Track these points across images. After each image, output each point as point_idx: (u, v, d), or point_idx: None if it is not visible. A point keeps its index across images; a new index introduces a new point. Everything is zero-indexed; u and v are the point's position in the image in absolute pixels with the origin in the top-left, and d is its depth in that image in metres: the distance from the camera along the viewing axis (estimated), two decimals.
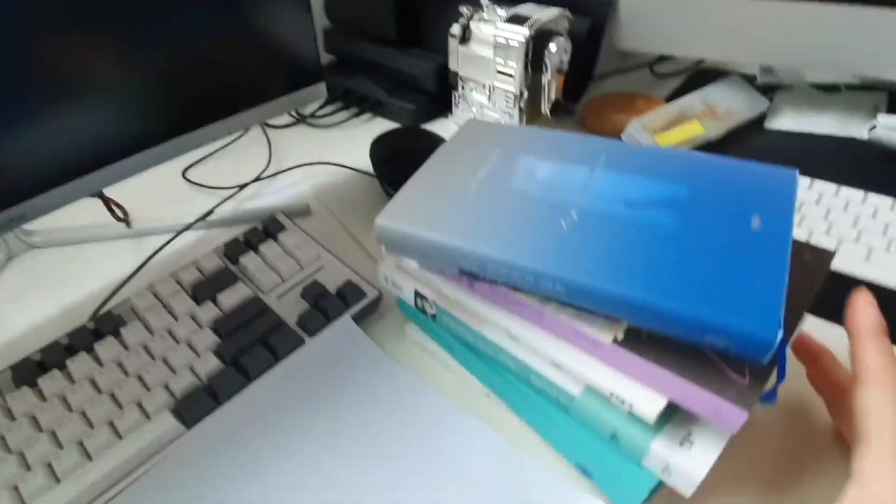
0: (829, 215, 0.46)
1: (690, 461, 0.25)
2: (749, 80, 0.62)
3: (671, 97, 0.64)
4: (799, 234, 0.44)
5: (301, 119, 0.68)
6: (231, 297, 0.40)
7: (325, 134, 0.66)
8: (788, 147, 0.56)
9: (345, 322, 0.40)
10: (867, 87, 0.60)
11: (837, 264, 0.42)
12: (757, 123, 0.59)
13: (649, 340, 0.26)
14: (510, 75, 0.52)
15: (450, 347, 0.36)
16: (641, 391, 0.26)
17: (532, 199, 0.30)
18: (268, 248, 0.44)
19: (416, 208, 0.30)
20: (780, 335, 0.23)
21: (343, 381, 0.37)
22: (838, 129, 0.57)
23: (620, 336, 0.27)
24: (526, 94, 0.53)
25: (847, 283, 0.38)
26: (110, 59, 0.38)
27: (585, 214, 0.29)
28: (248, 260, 0.43)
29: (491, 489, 0.31)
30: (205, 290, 0.41)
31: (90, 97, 0.38)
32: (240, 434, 0.34)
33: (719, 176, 0.30)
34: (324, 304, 0.40)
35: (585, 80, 0.61)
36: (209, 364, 0.36)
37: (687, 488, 0.26)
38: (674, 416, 0.27)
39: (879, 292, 0.37)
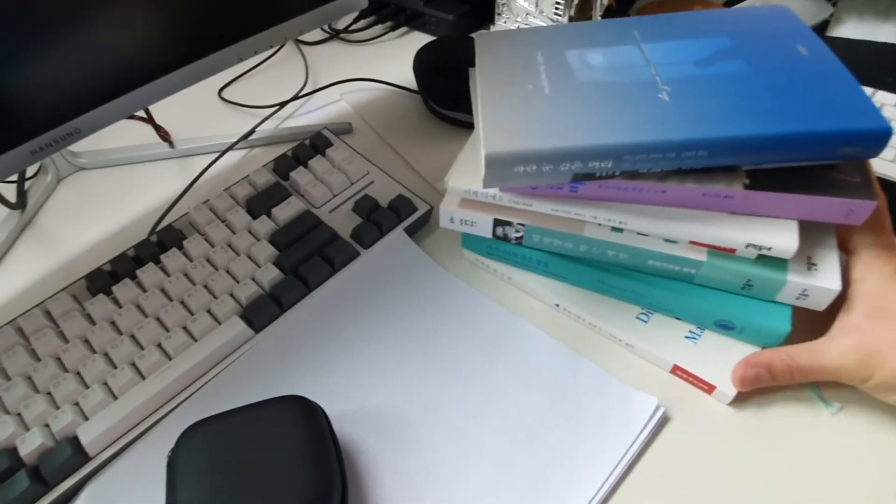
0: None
1: (824, 279, 0.29)
2: None
3: (730, 2, 0.60)
4: None
5: (335, 34, 0.65)
6: (285, 211, 0.41)
7: (360, 50, 0.64)
8: (851, 55, 0.53)
9: (398, 234, 0.40)
10: None
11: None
12: (819, 30, 0.56)
13: (770, 178, 0.29)
14: None
15: (539, 266, 0.36)
16: (777, 231, 0.29)
17: (612, 85, 0.30)
18: (317, 163, 0.44)
19: (514, 128, 0.29)
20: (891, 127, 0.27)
21: (399, 290, 0.38)
22: None
23: (747, 181, 0.29)
24: None
25: None
26: None
27: (672, 83, 0.30)
28: (299, 175, 0.43)
29: (549, 389, 0.33)
30: (259, 204, 0.41)
31: (128, 16, 0.37)
32: (305, 338, 0.36)
33: (738, 23, 0.33)
34: (376, 218, 0.40)
35: None
36: (270, 274, 0.37)
37: (825, 302, 0.30)
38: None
39: None
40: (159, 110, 0.54)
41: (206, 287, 0.37)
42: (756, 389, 0.31)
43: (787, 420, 0.31)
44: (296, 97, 0.57)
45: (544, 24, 0.53)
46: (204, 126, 0.55)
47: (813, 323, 0.31)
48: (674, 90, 0.29)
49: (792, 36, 0.31)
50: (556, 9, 0.51)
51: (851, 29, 0.55)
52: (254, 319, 0.35)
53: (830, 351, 0.30)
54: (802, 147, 0.27)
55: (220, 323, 0.35)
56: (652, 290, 0.34)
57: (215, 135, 0.53)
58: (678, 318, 0.34)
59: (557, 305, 0.36)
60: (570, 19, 0.51)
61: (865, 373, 0.29)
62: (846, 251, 0.32)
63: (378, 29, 0.65)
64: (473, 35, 0.35)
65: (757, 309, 0.32)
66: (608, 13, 0.51)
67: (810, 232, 0.31)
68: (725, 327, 0.33)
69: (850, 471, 0.30)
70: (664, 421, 0.31)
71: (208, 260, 0.38)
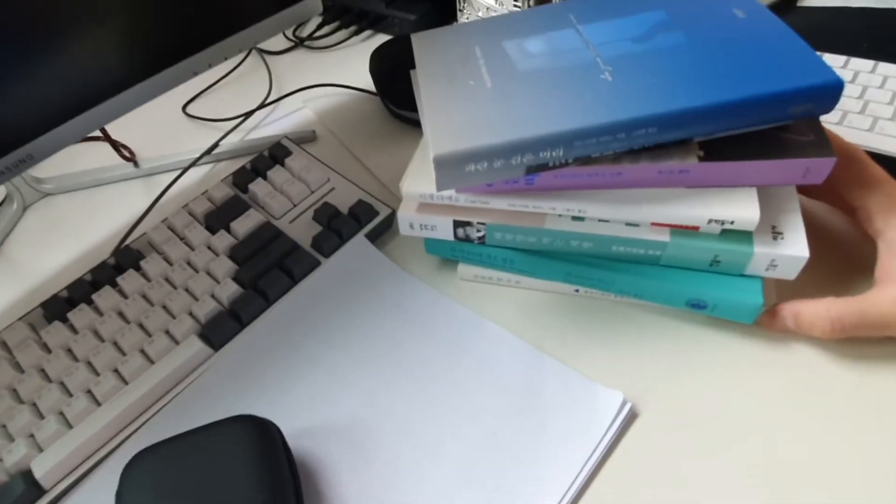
0: (864, 94, 0.42)
1: (791, 247, 0.29)
2: None
3: None
4: (831, 116, 0.42)
5: (299, 42, 0.65)
6: (244, 225, 0.40)
7: (325, 56, 0.63)
8: (824, 24, 0.52)
9: (359, 241, 0.39)
10: None
11: (875, 145, 0.39)
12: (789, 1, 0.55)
13: (723, 147, 0.28)
14: None
15: (506, 264, 0.35)
16: (737, 203, 0.28)
17: (554, 71, 0.29)
18: (276, 173, 0.43)
19: (460, 127, 0.28)
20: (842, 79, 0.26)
21: (361, 297, 0.37)
22: (875, 1, 0.52)
23: (701, 153, 0.28)
24: None
25: (889, 164, 0.36)
26: None
27: (613, 62, 0.29)
28: (258, 187, 0.42)
29: (514, 390, 0.32)
30: (218, 219, 0.41)
31: (78, 32, 0.36)
32: (266, 353, 0.35)
33: None
34: (337, 225, 0.39)
35: None
36: (229, 289, 0.36)
37: (794, 270, 0.29)
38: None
39: None
40: (123, 130, 0.53)
41: (164, 307, 0.36)
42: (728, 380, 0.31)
43: (761, 411, 0.30)
44: (260, 107, 0.57)
45: None
46: (169, 143, 0.54)
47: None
48: (616, 69, 0.28)
49: (726, 0, 0.31)
50: (516, 2, 0.50)
51: None
52: (212, 337, 0.35)
53: (884, 300, 0.28)
54: (752, 112, 0.27)
55: (178, 343, 0.35)
56: (620, 276, 0.33)
57: (180, 151, 0.52)
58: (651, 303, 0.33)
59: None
60: None
61: None
62: (848, 210, 0.32)
63: (342, 34, 0.64)
64: (411, 35, 0.34)
65: (727, 285, 0.31)
66: None
67: (771, 198, 0.30)
68: (697, 306, 0.32)
69: (829, 458, 0.28)
70: (632, 417, 0.30)
71: (167, 279, 0.38)
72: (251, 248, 0.39)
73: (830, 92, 0.26)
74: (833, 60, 0.46)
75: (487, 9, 0.53)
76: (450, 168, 0.27)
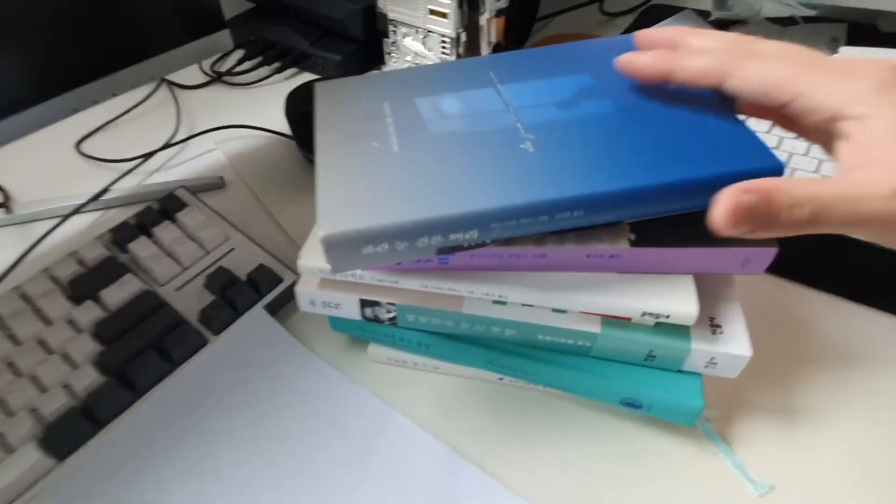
0: (791, 160, 0.42)
1: (732, 344, 0.26)
2: (703, 15, 0.58)
3: None
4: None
5: (216, 77, 0.59)
6: (118, 293, 0.34)
7: (244, 94, 0.58)
8: None
9: (257, 313, 0.34)
10: (825, 18, 0.57)
11: None
12: None
13: (657, 231, 0.26)
14: (443, 14, 0.45)
15: (421, 348, 0.31)
16: (674, 295, 0.26)
17: (469, 136, 0.25)
18: (164, 230, 0.37)
19: (357, 200, 0.23)
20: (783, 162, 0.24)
21: (256, 384, 0.31)
22: None
23: (633, 237, 0.25)
24: (464, 37, 0.47)
25: None
26: None
27: (535, 130, 0.26)
28: (140, 246, 0.36)
29: (427, 497, 0.27)
30: (85, 286, 0.34)
31: None
32: (127, 460, 0.28)
33: (597, 57, 0.29)
34: (232, 294, 0.34)
35: (529, 21, 0.55)
36: (87, 378, 0.30)
37: (735, 370, 0.27)
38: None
39: None
40: (1, 166, 0.46)
41: (0, 402, 0.29)
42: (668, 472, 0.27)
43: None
44: (164, 147, 0.50)
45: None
46: (56, 185, 0.47)
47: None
48: (538, 139, 0.25)
49: None
50: (444, 48, 0.47)
51: None
52: (56, 444, 0.28)
53: (866, 185, 0.20)
54: (686, 195, 0.24)
55: (12, 451, 0.28)
56: (547, 368, 0.29)
57: (67, 195, 0.45)
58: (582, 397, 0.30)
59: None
60: (460, 58, 0.47)
61: None
62: (772, 115, 0.26)
63: (264, 70, 0.60)
64: (314, 83, 0.30)
65: (664, 383, 0.28)
66: (498, 51, 0.47)
67: (708, 284, 0.28)
68: (632, 405, 0.28)
69: None
70: None
71: (9, 365, 0.31)
72: (123, 323, 0.32)
73: (771, 176, 0.23)
74: (758, 125, 0.45)
75: (416, 54, 0.50)
76: (343, 250, 0.23)
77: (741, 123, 0.25)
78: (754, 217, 0.20)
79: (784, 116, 0.24)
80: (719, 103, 0.26)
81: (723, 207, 0.20)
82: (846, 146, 0.21)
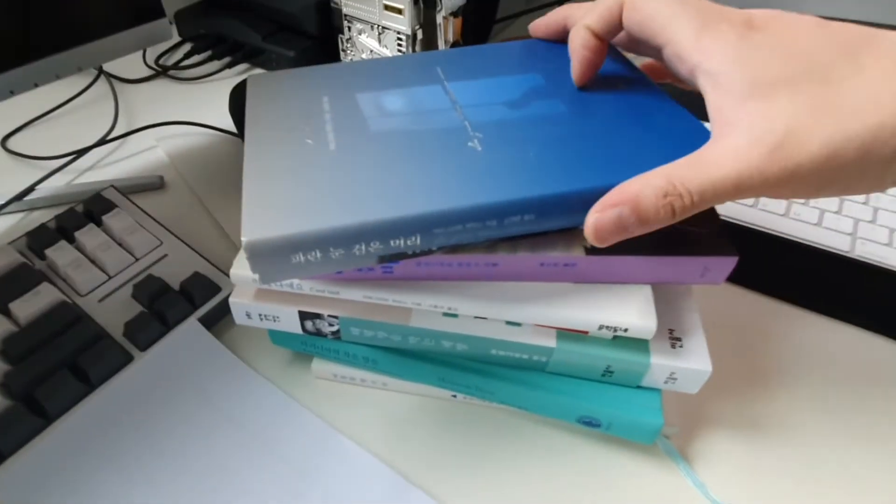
0: None
1: (692, 358, 0.25)
2: None
3: None
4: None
5: (162, 71, 0.56)
6: (31, 305, 0.30)
7: (190, 89, 0.55)
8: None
9: (190, 327, 0.31)
10: None
11: (788, 231, 0.38)
12: None
13: None
14: (399, 10, 0.43)
15: (367, 363, 0.29)
16: (631, 307, 0.24)
17: (413, 135, 0.24)
18: (88, 235, 0.34)
19: (285, 202, 0.21)
20: None
21: (186, 406, 0.28)
22: None
23: (588, 245, 0.24)
24: (420, 35, 0.45)
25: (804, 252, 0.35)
26: None
27: (483, 128, 0.24)
28: (58, 253, 0.33)
29: None
30: None
31: None
32: (33, 495, 0.25)
33: (550, 57, 0.28)
34: (161, 306, 0.31)
35: (489, 22, 0.53)
36: None
37: (696, 385, 0.25)
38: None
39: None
40: None
41: None
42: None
43: None
44: (98, 144, 0.47)
45: None
46: None
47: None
48: (486, 137, 0.23)
49: (607, 66, 0.27)
50: (400, 45, 0.45)
51: None
52: None
53: (724, 153, 0.19)
54: None
55: None
56: (502, 384, 0.27)
57: None
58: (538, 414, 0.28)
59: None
60: None
61: (783, 167, 0.18)
62: (656, 71, 0.27)
63: (214, 65, 0.56)
64: (248, 77, 0.28)
65: (623, 400, 0.26)
66: None
67: (667, 294, 0.27)
68: (590, 424, 0.27)
69: None
70: None
71: None
72: (34, 339, 0.29)
73: None
74: None
75: (372, 51, 0.48)
76: (269, 258, 0.20)
77: (693, 119, 0.24)
78: (623, 228, 0.20)
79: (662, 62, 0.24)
80: (670, 100, 0.25)
81: (588, 228, 0.21)
82: (708, 104, 0.21)
